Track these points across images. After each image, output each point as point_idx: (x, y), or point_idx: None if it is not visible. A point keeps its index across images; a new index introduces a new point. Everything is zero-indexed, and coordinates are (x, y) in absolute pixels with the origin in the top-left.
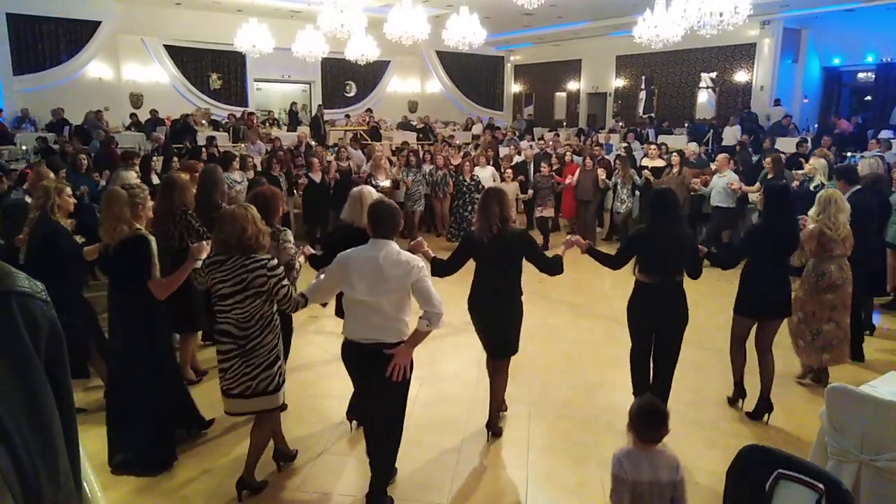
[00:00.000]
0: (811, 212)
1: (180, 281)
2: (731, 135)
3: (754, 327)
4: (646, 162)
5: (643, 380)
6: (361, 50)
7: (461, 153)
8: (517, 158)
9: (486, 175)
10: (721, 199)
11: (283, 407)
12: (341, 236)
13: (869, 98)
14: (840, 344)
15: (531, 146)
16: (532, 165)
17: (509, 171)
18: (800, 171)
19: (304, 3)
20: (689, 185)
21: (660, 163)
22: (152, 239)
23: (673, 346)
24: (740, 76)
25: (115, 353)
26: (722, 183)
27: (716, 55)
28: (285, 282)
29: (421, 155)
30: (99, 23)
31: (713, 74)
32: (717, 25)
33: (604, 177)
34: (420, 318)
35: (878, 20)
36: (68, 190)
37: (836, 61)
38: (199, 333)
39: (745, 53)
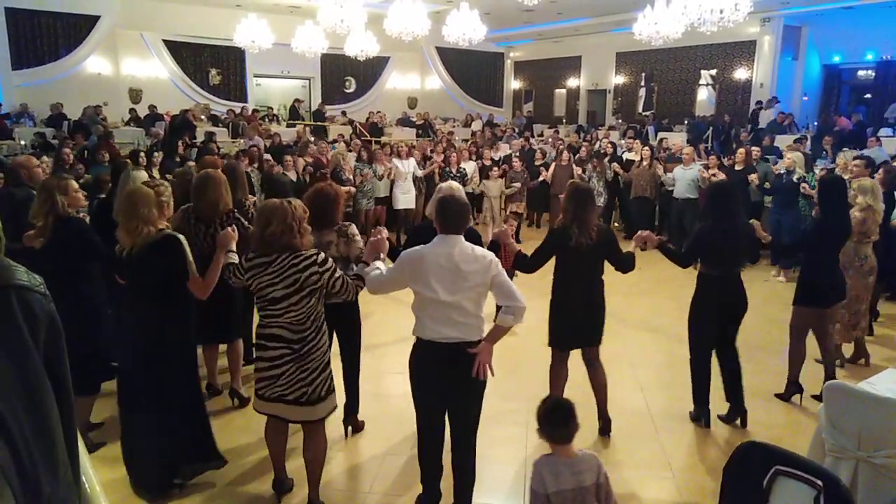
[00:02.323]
0: (858, 200)
1: (217, 276)
2: (767, 117)
3: None
4: (629, 156)
5: (707, 377)
6: (361, 46)
7: (442, 150)
8: (505, 151)
9: (469, 168)
10: (687, 191)
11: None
12: (428, 234)
13: (869, 96)
14: (863, 320)
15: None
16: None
17: (496, 168)
18: (779, 164)
19: None
20: (658, 178)
21: (632, 156)
22: (182, 238)
23: (736, 333)
24: (740, 73)
25: (129, 369)
26: (689, 175)
27: (716, 52)
28: (338, 272)
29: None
30: (98, 17)
31: (713, 71)
32: (718, 22)
33: (579, 171)
34: (502, 312)
35: (878, 18)
36: (73, 183)
37: (836, 59)
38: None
39: (745, 50)
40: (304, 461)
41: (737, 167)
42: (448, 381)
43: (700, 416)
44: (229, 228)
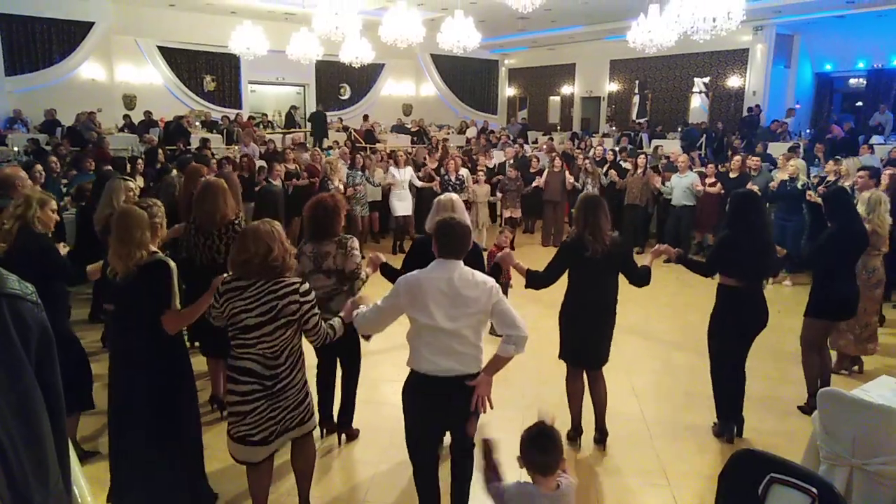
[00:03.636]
0: (861, 212)
1: (198, 314)
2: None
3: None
4: (625, 165)
5: (732, 390)
6: (356, 52)
7: (437, 158)
8: (499, 159)
9: (464, 175)
10: (685, 199)
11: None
12: (429, 247)
13: (860, 104)
14: (876, 334)
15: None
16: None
17: (481, 173)
18: (774, 172)
19: (299, 5)
20: (653, 186)
21: (626, 166)
22: (173, 264)
23: (748, 348)
24: (733, 81)
25: (119, 399)
26: (684, 183)
27: (709, 60)
28: (317, 310)
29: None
30: (92, 23)
31: (706, 79)
32: (711, 31)
33: (571, 179)
34: (503, 342)
35: (870, 27)
36: (53, 203)
37: (828, 67)
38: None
39: (737, 59)
40: (294, 472)
41: (731, 175)
42: (444, 415)
43: (724, 431)
44: (224, 276)
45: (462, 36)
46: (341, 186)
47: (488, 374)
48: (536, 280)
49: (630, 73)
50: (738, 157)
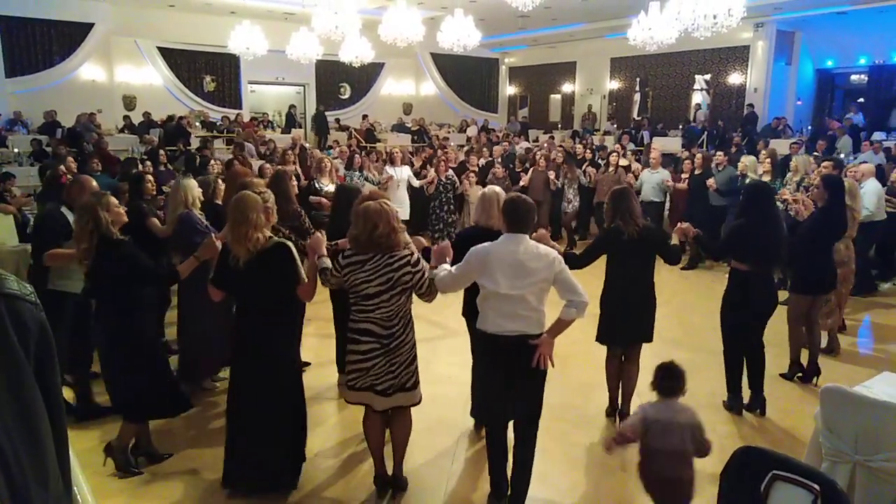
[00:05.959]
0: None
1: (317, 279)
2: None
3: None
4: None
5: (740, 367)
6: (356, 52)
7: (424, 158)
8: (485, 159)
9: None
10: (653, 195)
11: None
12: (475, 239)
13: (862, 100)
14: (837, 310)
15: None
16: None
17: (473, 175)
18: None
19: (299, 4)
20: (624, 183)
21: (623, 162)
22: (291, 244)
23: (763, 329)
24: (734, 78)
25: (255, 377)
26: (655, 179)
27: (710, 57)
28: (427, 274)
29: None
30: (92, 25)
31: (707, 76)
32: (711, 28)
33: (553, 178)
34: (565, 306)
35: (870, 22)
36: (113, 199)
37: (829, 63)
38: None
39: (738, 56)
40: (392, 441)
41: (696, 171)
42: (509, 372)
43: (733, 404)
44: (318, 233)
45: (462, 34)
46: (332, 188)
47: (551, 336)
48: (572, 261)
49: (631, 70)
50: (699, 155)
